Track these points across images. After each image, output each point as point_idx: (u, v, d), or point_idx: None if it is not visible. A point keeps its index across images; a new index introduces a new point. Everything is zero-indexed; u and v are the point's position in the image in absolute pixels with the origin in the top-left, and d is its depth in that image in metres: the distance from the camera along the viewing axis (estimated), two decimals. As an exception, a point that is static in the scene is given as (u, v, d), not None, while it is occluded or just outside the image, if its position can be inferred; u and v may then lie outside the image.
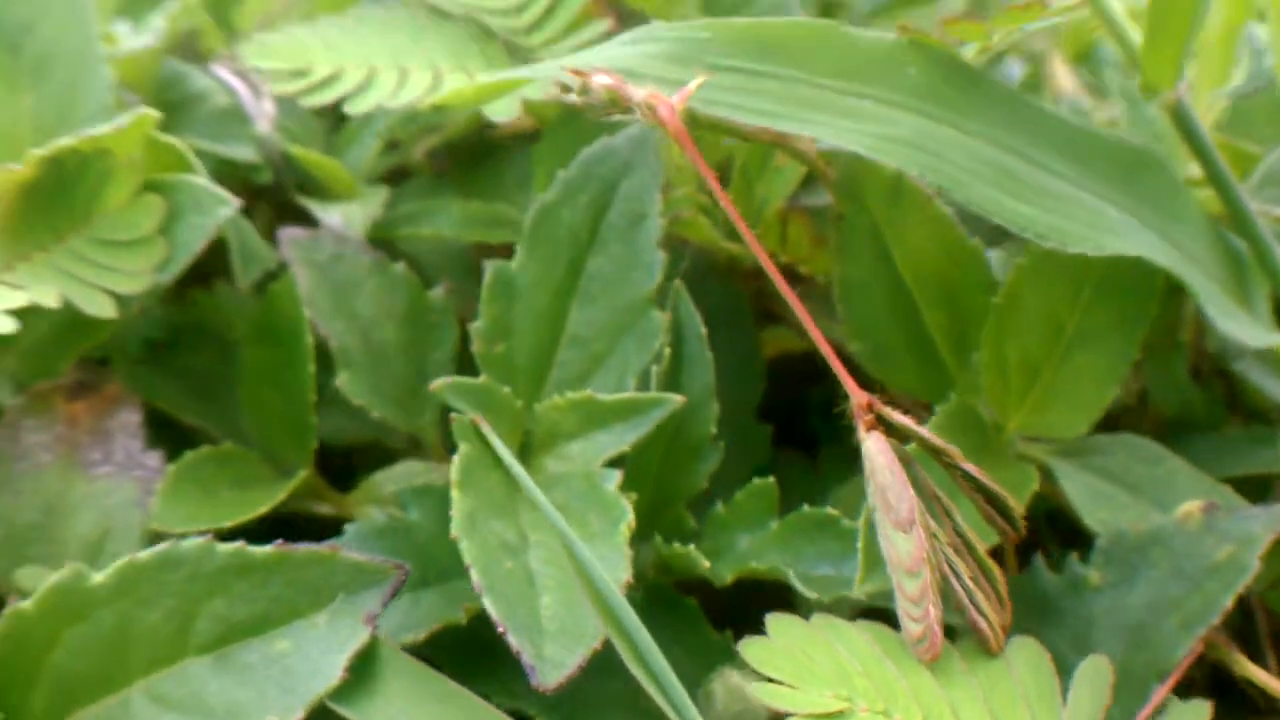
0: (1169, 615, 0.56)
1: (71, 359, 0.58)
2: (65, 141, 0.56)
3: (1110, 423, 0.61)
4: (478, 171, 0.69)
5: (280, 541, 0.49)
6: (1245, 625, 0.61)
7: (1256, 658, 0.59)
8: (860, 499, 0.65)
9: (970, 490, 0.55)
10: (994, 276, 0.59)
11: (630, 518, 0.53)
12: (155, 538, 0.56)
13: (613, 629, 0.49)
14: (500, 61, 0.62)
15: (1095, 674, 0.52)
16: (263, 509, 0.56)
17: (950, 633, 0.52)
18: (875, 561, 0.53)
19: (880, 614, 0.54)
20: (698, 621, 0.57)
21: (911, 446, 0.54)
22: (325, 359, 0.59)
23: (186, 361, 0.63)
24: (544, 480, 0.56)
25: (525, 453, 0.58)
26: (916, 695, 0.50)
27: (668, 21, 0.55)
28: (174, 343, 0.64)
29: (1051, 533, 0.65)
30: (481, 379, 0.57)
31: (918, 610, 0.50)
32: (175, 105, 0.67)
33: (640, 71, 0.53)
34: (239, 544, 0.49)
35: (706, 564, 0.55)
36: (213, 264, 0.62)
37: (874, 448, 0.52)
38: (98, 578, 0.48)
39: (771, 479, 0.58)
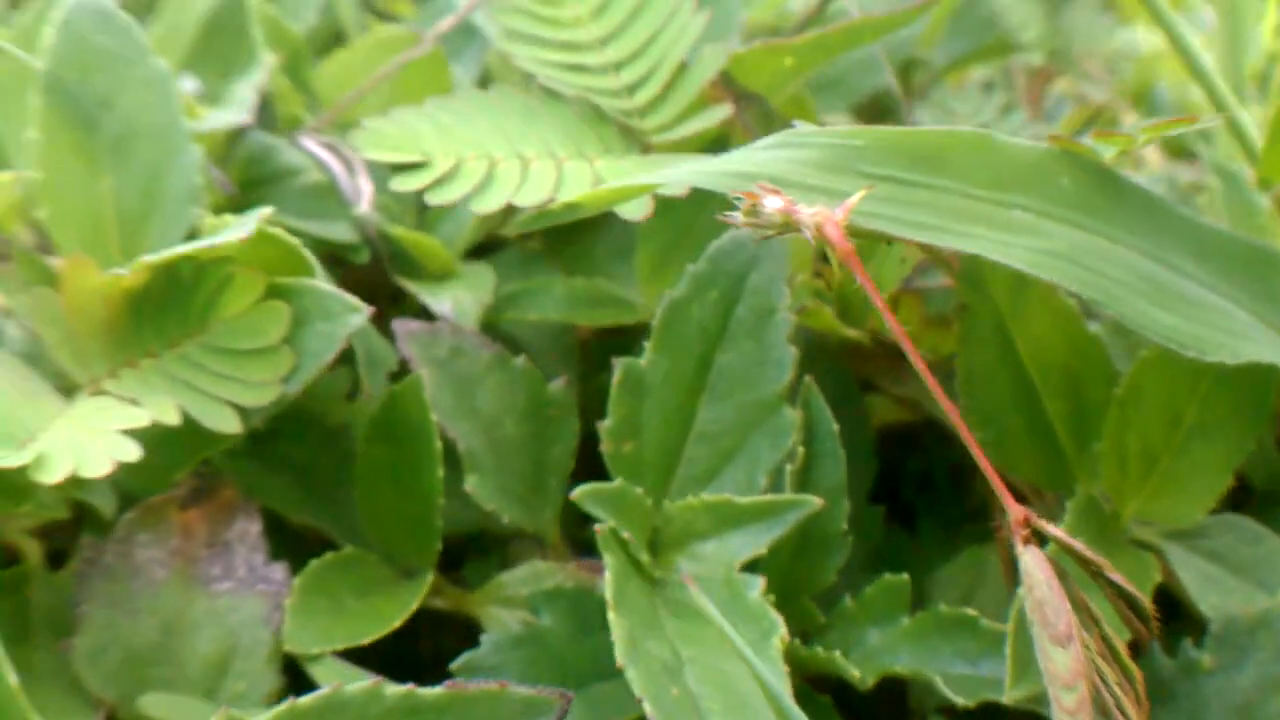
0: (1274, 695, 0.58)
1: (187, 470, 0.56)
2: (181, 250, 0.53)
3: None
4: (571, 242, 0.67)
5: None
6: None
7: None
8: (970, 579, 0.66)
9: (1112, 594, 0.56)
10: (1114, 367, 0.60)
11: (783, 630, 0.53)
12: (286, 658, 0.55)
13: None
14: (616, 146, 0.60)
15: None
16: (396, 622, 0.55)
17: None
18: (1024, 667, 0.54)
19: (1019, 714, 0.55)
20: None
21: (1051, 547, 0.55)
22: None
23: (288, 452, 0.61)
24: (679, 582, 0.56)
25: (654, 550, 0.58)
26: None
27: (800, 119, 0.54)
28: (274, 432, 0.61)
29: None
30: (617, 484, 0.56)
31: (1075, 724, 0.51)
32: (263, 181, 0.64)
33: (790, 179, 0.52)
34: (408, 686, 0.48)
35: (856, 672, 0.55)
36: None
37: (1032, 563, 0.53)
38: (255, 724, 0.47)
39: (905, 576, 0.58)
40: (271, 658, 0.55)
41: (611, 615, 0.51)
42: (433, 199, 0.56)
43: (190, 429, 0.54)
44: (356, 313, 0.54)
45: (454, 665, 0.54)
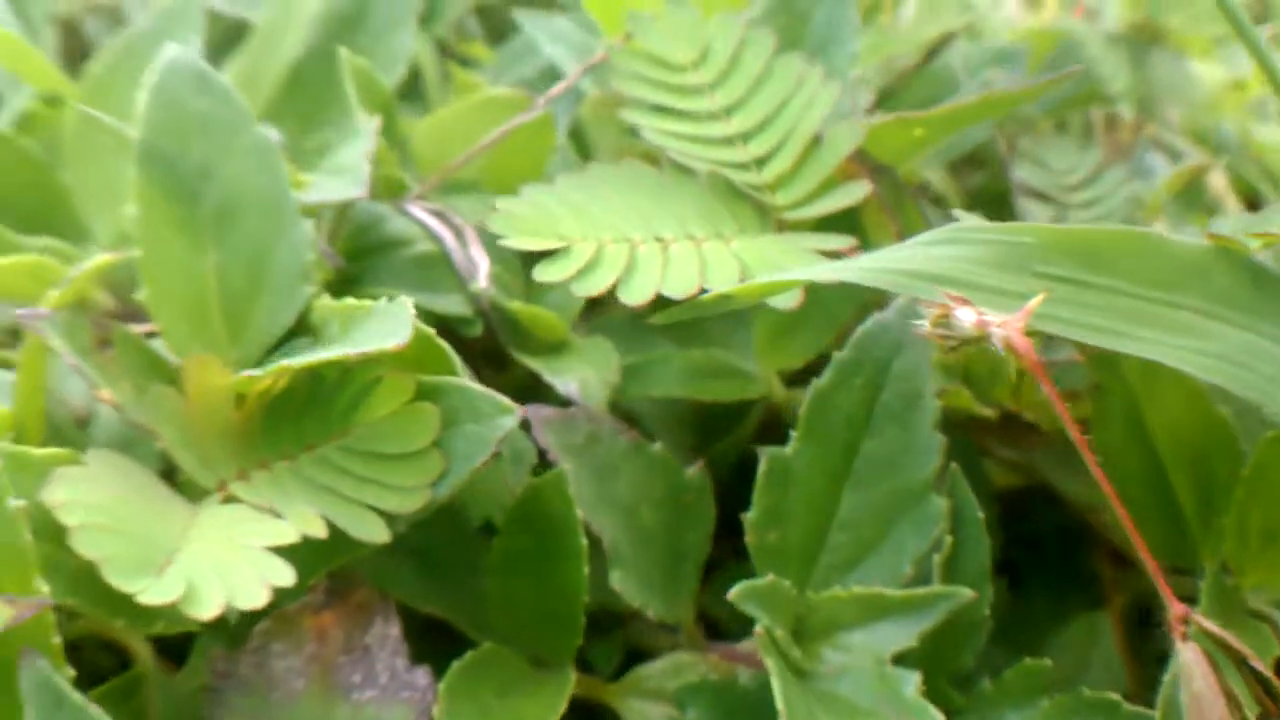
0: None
1: (322, 576, 0.54)
2: (327, 356, 0.50)
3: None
4: (680, 307, 0.65)
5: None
6: None
7: None
8: (1084, 646, 0.67)
9: (1248, 676, 0.57)
10: (1241, 447, 0.61)
11: (940, 726, 0.53)
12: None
13: None
14: (750, 224, 0.58)
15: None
16: (545, 725, 0.54)
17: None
18: (1174, 756, 0.54)
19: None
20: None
21: (1194, 629, 0.55)
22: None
23: (413, 541, 0.59)
24: (827, 674, 0.56)
25: (797, 638, 0.57)
26: None
27: (972, 215, 0.53)
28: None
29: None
30: (769, 580, 0.55)
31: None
32: (371, 251, 0.61)
33: (961, 279, 0.51)
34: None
35: (1013, 768, 0.55)
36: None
37: (1190, 659, 0.53)
38: None
39: (1047, 661, 0.58)
40: (422, 767, 0.53)
41: (784, 722, 0.51)
42: (579, 290, 0.54)
43: (330, 535, 0.52)
44: (509, 414, 0.52)
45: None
